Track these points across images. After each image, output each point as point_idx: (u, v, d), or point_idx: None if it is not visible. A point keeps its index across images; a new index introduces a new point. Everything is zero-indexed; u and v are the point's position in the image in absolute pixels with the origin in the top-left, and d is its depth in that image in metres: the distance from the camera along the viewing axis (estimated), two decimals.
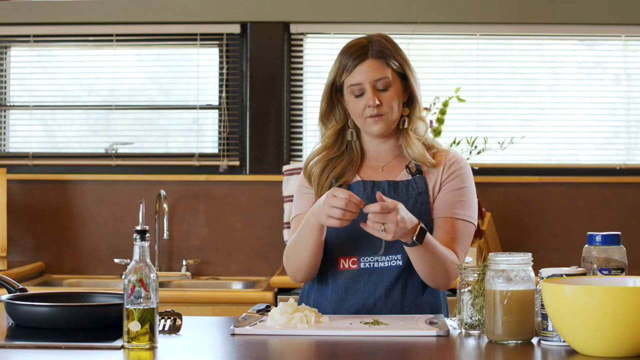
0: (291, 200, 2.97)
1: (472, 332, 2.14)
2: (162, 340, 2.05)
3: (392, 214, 2.21)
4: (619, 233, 2.14)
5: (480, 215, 4.12)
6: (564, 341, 1.96)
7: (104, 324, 2.16)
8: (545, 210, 4.43)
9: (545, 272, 2.05)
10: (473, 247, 3.98)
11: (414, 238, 2.28)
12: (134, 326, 1.96)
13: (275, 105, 4.46)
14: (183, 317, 2.21)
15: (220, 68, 4.52)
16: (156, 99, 4.61)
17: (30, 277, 4.19)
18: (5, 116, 4.60)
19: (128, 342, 1.96)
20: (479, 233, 4.08)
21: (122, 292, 2.04)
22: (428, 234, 2.32)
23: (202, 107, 4.54)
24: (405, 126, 2.51)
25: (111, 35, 4.52)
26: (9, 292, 2.39)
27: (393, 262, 2.43)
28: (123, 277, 2.04)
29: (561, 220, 4.43)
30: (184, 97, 4.58)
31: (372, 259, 2.44)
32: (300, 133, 4.51)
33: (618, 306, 1.81)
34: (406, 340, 2.07)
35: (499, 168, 4.45)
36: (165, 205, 4.28)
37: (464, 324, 2.16)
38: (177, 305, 2.71)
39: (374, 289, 2.43)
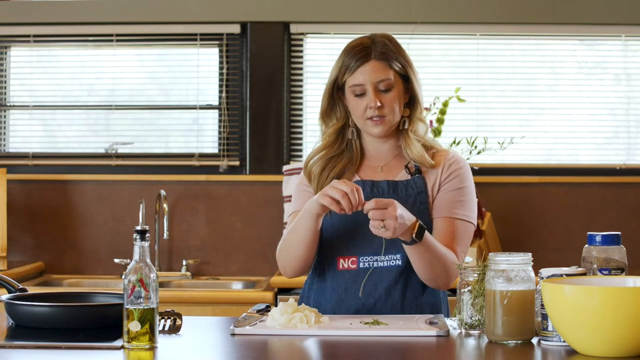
0: (291, 200, 2.97)
1: (472, 332, 2.14)
2: (162, 340, 2.05)
3: (390, 209, 2.21)
4: (619, 233, 2.14)
5: (480, 215, 4.12)
6: (564, 341, 1.96)
7: (104, 324, 2.16)
8: (545, 210, 4.43)
9: (545, 272, 2.05)
10: (473, 247, 3.98)
11: (414, 235, 2.28)
12: (134, 326, 1.96)
13: (275, 105, 4.46)
14: (183, 317, 2.21)
15: (220, 68, 4.52)
16: (156, 99, 4.61)
17: (30, 277, 4.19)
18: (5, 116, 4.60)
19: (128, 342, 1.96)
20: (479, 233, 4.08)
21: (122, 292, 2.04)
22: (427, 232, 2.32)
23: (202, 107, 4.54)
24: (406, 127, 2.51)
25: (111, 35, 4.52)
26: (9, 292, 2.39)
27: (392, 262, 2.43)
28: (123, 277, 2.04)
29: (561, 220, 4.43)
30: (184, 97, 4.58)
31: (371, 258, 2.44)
32: (300, 133, 4.51)
33: (618, 306, 1.81)
34: (406, 340, 2.07)
35: (499, 168, 4.45)
36: (165, 205, 4.28)
37: (464, 324, 2.16)
38: (177, 305, 2.71)
39: (373, 289, 2.43)
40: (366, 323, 2.21)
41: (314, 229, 2.39)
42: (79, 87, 4.61)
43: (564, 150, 4.53)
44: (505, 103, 4.54)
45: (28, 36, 4.53)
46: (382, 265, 2.43)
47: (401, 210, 2.24)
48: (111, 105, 4.56)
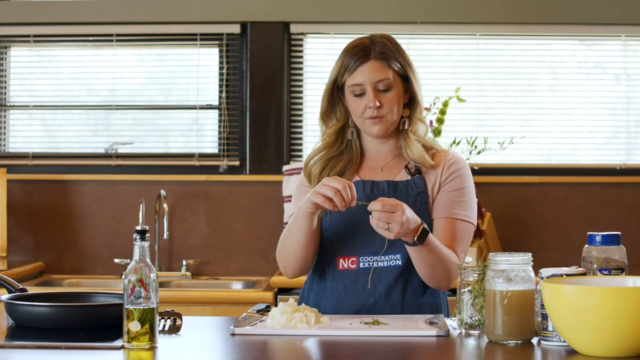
0: (291, 201, 2.97)
1: (472, 332, 2.14)
2: (162, 340, 2.05)
3: (397, 214, 2.21)
4: (619, 233, 2.14)
5: (480, 215, 4.12)
6: (564, 341, 1.96)
7: (104, 324, 2.16)
8: (545, 210, 4.43)
9: (545, 272, 2.05)
10: (473, 247, 3.98)
11: (415, 238, 2.28)
12: (134, 326, 1.96)
13: (275, 105, 4.46)
14: (183, 317, 2.21)
15: (220, 68, 4.52)
16: (156, 99, 4.61)
17: (30, 277, 4.19)
18: (5, 116, 4.60)
19: (128, 342, 1.96)
20: (479, 233, 4.08)
21: (122, 292, 2.04)
22: (430, 234, 2.32)
23: (202, 107, 4.54)
24: (406, 127, 2.51)
25: (111, 35, 4.52)
26: (9, 292, 2.39)
27: (392, 262, 2.43)
28: (123, 277, 2.04)
29: (561, 220, 4.43)
30: (184, 97, 4.58)
31: (371, 258, 2.44)
32: (300, 133, 4.51)
33: (618, 306, 1.81)
34: (406, 340, 2.07)
35: (499, 168, 4.45)
36: (165, 205, 4.28)
37: (464, 324, 2.16)
38: (177, 305, 2.70)
39: (373, 289, 2.43)
40: (366, 323, 2.21)
41: (309, 228, 2.39)
42: (79, 87, 4.61)
43: (564, 150, 4.53)
44: (505, 103, 4.54)
45: (28, 36, 4.53)
46: (382, 265, 2.44)
47: (409, 214, 2.24)
48: (111, 105, 4.56)
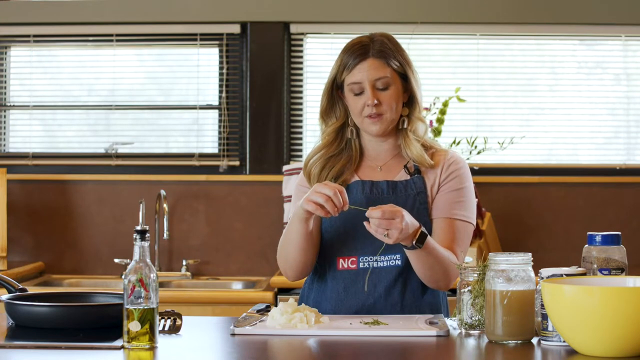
0: (291, 201, 2.97)
1: (472, 332, 2.14)
2: (162, 340, 2.05)
3: (396, 221, 2.21)
4: (619, 233, 2.14)
5: (480, 215, 4.12)
6: (564, 341, 1.96)
7: (104, 324, 2.16)
8: (545, 210, 4.43)
9: (545, 272, 2.05)
10: (473, 247, 3.98)
11: (414, 242, 2.28)
12: (134, 326, 1.96)
13: (275, 105, 4.46)
14: (183, 317, 2.21)
15: (220, 68, 4.52)
16: (156, 99, 4.61)
17: (30, 277, 4.19)
18: (5, 116, 4.60)
19: (128, 342, 1.96)
20: (478, 233, 4.08)
21: (122, 292, 2.04)
22: (429, 237, 2.32)
23: (202, 107, 4.54)
24: (405, 126, 2.51)
25: (111, 35, 4.52)
26: (9, 292, 2.39)
27: (392, 262, 2.43)
28: (123, 277, 2.04)
29: (561, 220, 4.43)
30: (184, 97, 4.58)
31: (371, 258, 2.44)
32: (300, 133, 4.51)
33: (618, 306, 1.81)
34: (406, 340, 2.07)
35: (499, 168, 4.45)
36: (165, 205, 4.28)
37: (464, 324, 2.16)
38: (177, 305, 2.71)
39: (373, 288, 2.43)
40: (366, 323, 2.21)
41: (304, 233, 2.39)
42: (79, 87, 4.61)
43: (564, 150, 4.53)
44: (505, 103, 4.54)
45: (28, 36, 4.53)
46: (381, 265, 2.44)
47: (408, 219, 2.24)
48: (111, 105, 4.56)
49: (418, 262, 2.36)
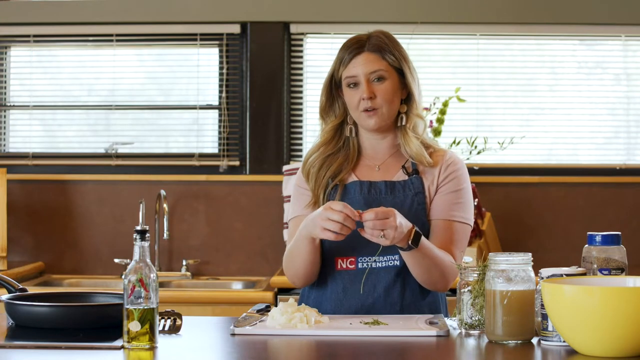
0: (290, 201, 2.97)
1: (472, 332, 2.14)
2: (162, 340, 2.05)
3: (391, 220, 2.22)
4: (619, 233, 2.14)
5: (480, 215, 4.12)
6: (564, 341, 1.96)
7: (104, 324, 2.16)
8: (545, 210, 4.43)
9: (545, 272, 2.05)
10: (473, 247, 3.98)
11: (410, 242, 2.29)
12: (134, 326, 1.96)
13: (275, 105, 4.46)
14: (183, 317, 2.21)
15: (220, 68, 4.52)
16: (156, 99, 4.61)
17: (30, 277, 4.19)
18: (5, 116, 4.60)
19: (128, 342, 1.96)
20: (479, 233, 4.08)
21: (122, 292, 2.04)
22: (423, 237, 2.32)
23: (202, 107, 4.54)
24: (403, 123, 2.51)
25: (111, 35, 4.52)
26: (9, 292, 2.39)
27: (390, 262, 2.43)
28: (123, 277, 2.04)
29: (561, 221, 4.43)
30: (184, 97, 4.58)
31: (369, 259, 2.44)
32: (300, 133, 4.51)
33: (618, 306, 1.81)
34: (406, 340, 2.07)
35: (499, 168, 4.45)
36: (165, 205, 4.28)
37: (464, 324, 2.16)
38: (177, 305, 2.71)
39: (372, 289, 2.43)
40: (366, 323, 2.21)
41: (313, 251, 2.40)
42: (79, 87, 4.61)
43: (564, 150, 4.53)
44: (505, 103, 4.54)
45: (28, 36, 4.53)
46: (380, 265, 2.44)
47: (400, 219, 2.25)
48: (111, 105, 4.56)
49: (415, 264, 2.36)
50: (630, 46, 4.52)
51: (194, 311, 3.63)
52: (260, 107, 4.46)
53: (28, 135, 4.58)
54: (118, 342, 2.00)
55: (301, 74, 4.51)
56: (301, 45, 4.52)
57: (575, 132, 4.52)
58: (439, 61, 4.58)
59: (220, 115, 4.51)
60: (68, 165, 4.50)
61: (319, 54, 4.56)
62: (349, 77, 2.46)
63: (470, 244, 3.99)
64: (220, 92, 4.52)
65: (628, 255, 2.14)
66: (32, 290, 2.56)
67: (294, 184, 2.61)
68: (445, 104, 4.25)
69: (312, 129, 4.49)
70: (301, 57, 4.52)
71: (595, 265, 2.10)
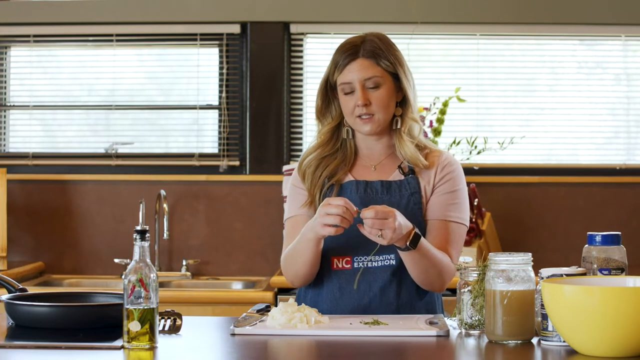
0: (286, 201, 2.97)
1: (472, 332, 2.15)
2: (162, 340, 2.05)
3: (390, 220, 2.22)
4: (619, 233, 2.14)
5: (480, 215, 4.12)
6: (564, 341, 1.96)
7: (104, 324, 2.16)
8: (545, 210, 4.43)
9: (545, 272, 2.05)
10: (473, 247, 3.98)
11: (408, 243, 2.29)
12: (134, 326, 1.96)
13: (275, 105, 4.46)
14: (183, 317, 2.21)
15: (220, 68, 4.52)
16: (156, 99, 4.61)
17: (30, 277, 4.19)
18: (5, 116, 4.60)
19: (128, 342, 1.96)
20: (479, 233, 4.08)
21: (122, 292, 2.04)
22: (422, 238, 2.32)
23: (202, 107, 4.54)
24: (398, 127, 2.51)
25: (111, 35, 4.52)
26: (9, 292, 2.39)
27: (386, 262, 2.43)
28: (123, 277, 2.04)
29: (561, 220, 4.43)
30: (184, 97, 4.58)
31: (365, 258, 2.44)
32: (300, 133, 4.51)
33: (618, 306, 1.81)
34: (406, 340, 2.07)
35: (499, 168, 4.45)
36: (165, 205, 4.28)
37: (464, 324, 2.16)
38: (177, 305, 2.71)
39: (368, 288, 2.43)
40: (366, 323, 2.21)
41: (316, 252, 2.40)
42: (79, 87, 4.61)
43: (564, 150, 4.53)
44: (505, 103, 4.54)
45: (28, 36, 4.53)
46: (376, 265, 2.44)
47: (400, 219, 2.25)
48: (111, 105, 4.56)
49: (412, 264, 2.36)
50: (630, 46, 4.52)
51: (194, 311, 3.63)
52: (260, 107, 4.46)
53: (28, 135, 4.58)
54: (118, 342, 2.00)
55: (301, 74, 4.51)
56: (301, 45, 4.52)
57: (575, 132, 4.52)
58: (439, 61, 4.58)
59: (220, 115, 4.51)
60: (68, 165, 4.50)
61: (319, 54, 4.56)
62: (344, 83, 2.47)
63: (470, 244, 3.99)
64: (220, 92, 4.52)
65: (628, 255, 2.14)
66: (32, 290, 2.56)
67: (290, 184, 2.61)
68: (445, 104, 4.25)
69: (312, 129, 4.48)
70: (301, 57, 4.52)
71: (595, 265, 2.10)
